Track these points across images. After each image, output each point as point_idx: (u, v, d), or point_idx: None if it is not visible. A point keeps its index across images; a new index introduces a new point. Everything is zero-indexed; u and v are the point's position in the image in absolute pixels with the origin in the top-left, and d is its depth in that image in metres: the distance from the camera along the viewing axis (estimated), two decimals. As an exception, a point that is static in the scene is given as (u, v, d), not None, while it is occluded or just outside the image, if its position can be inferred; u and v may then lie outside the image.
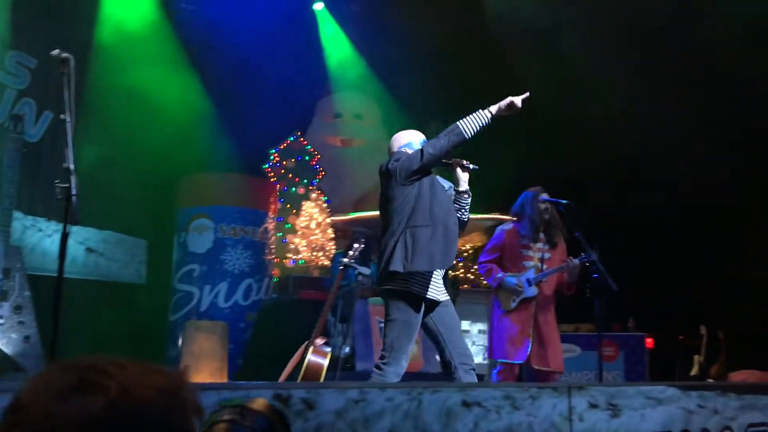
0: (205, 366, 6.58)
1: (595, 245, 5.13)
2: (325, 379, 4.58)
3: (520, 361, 5.21)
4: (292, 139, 10.31)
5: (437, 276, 3.76)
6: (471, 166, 4.00)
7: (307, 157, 10.34)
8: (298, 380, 4.45)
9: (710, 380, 9.25)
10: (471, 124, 3.69)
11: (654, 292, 10.18)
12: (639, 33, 8.79)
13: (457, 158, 4.01)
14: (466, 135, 3.68)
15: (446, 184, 4.01)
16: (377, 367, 3.68)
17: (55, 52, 3.37)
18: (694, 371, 9.79)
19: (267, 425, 1.18)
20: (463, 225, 4.02)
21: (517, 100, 3.76)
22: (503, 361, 5.23)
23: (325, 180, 10.37)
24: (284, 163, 10.17)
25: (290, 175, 10.17)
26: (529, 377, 5.30)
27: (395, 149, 3.99)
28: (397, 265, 3.64)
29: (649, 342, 9.15)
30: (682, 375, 10.01)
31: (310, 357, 4.49)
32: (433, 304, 3.76)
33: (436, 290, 3.75)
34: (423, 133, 4.12)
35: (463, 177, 3.99)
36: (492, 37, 9.84)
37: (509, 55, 9.73)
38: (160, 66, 8.22)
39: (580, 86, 9.01)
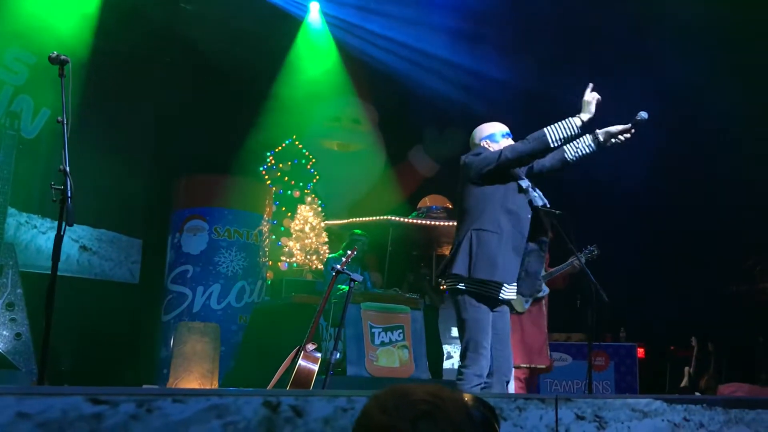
0: (196, 367, 6.58)
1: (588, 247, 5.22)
2: (315, 384, 4.59)
3: (544, 365, 5.18)
4: (287, 142, 10.32)
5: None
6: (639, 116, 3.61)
7: (303, 161, 10.36)
8: (289, 385, 4.47)
9: (699, 392, 9.30)
10: (558, 132, 3.49)
11: (646, 303, 10.22)
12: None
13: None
14: (551, 143, 3.49)
15: (540, 200, 3.70)
16: (458, 371, 3.55)
17: (53, 54, 3.35)
18: (684, 382, 9.83)
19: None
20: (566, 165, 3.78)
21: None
22: (526, 366, 5.17)
23: (320, 184, 10.38)
24: (280, 165, 10.18)
25: (286, 178, 10.18)
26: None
27: (477, 141, 3.82)
28: (459, 269, 3.52)
29: (640, 352, 9.17)
30: (672, 385, 10.04)
31: (301, 362, 4.51)
32: (500, 303, 3.64)
33: (507, 291, 3.63)
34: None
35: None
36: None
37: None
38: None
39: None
